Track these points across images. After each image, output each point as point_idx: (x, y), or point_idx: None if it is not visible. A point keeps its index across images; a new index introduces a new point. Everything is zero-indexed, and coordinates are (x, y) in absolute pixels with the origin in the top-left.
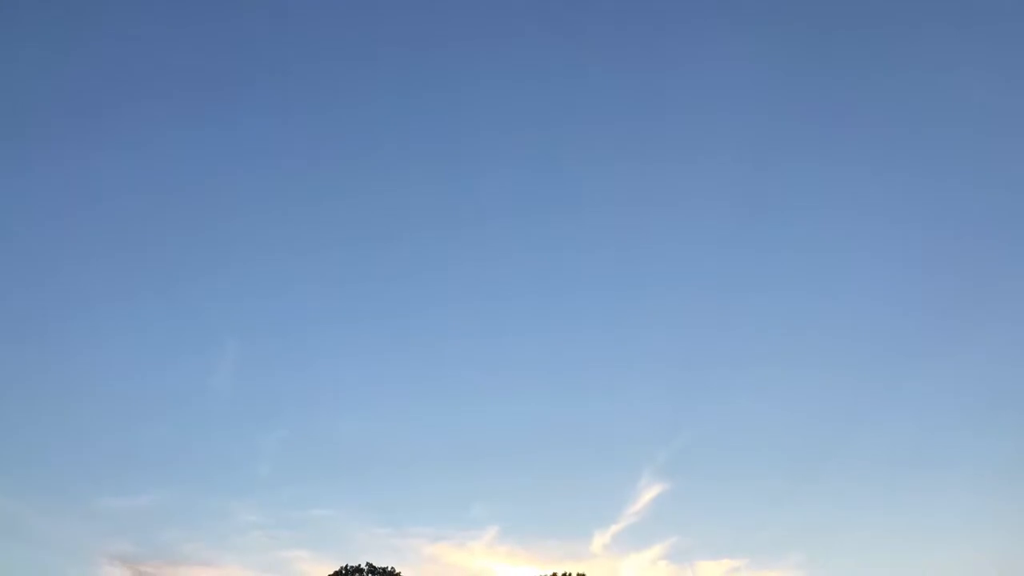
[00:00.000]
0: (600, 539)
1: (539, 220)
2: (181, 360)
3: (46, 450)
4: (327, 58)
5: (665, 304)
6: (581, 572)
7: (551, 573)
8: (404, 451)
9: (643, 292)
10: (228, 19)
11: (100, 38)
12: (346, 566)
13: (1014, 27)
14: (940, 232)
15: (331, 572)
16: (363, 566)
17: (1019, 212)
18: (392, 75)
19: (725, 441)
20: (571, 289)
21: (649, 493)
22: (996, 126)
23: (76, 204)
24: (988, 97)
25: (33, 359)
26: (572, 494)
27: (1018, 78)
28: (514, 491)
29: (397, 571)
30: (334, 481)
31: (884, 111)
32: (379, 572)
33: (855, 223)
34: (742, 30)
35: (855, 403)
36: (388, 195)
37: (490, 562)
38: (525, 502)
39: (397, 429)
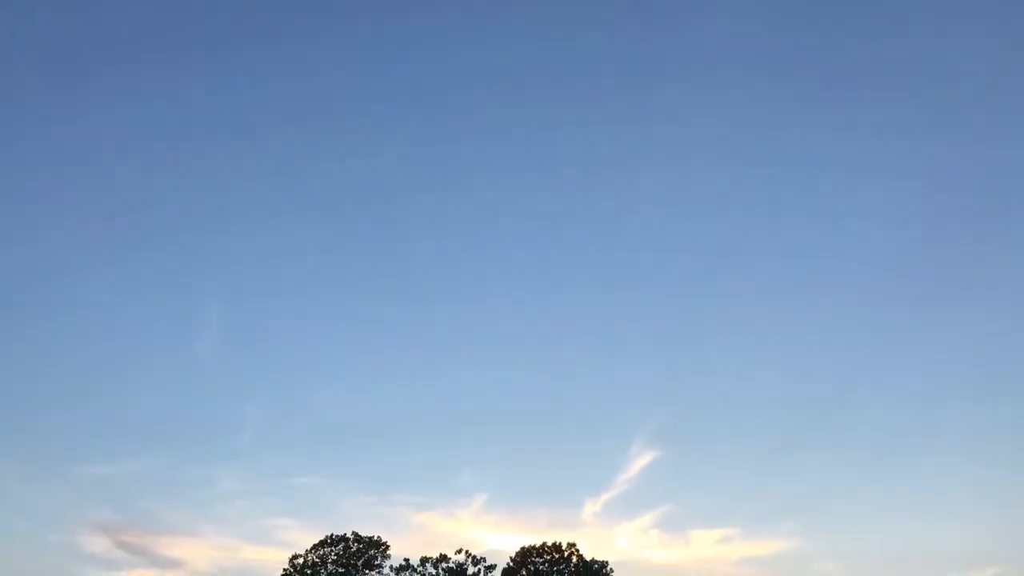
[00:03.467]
0: (591, 508)
1: (527, 183)
2: (164, 325)
3: (26, 416)
4: (307, 22)
5: (657, 269)
6: (571, 541)
7: (541, 542)
8: (390, 418)
9: (634, 257)
10: None
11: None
12: (331, 535)
13: None
14: (941, 196)
15: (316, 541)
16: (348, 535)
17: (1020, 176)
18: (378, 38)
19: (718, 408)
20: (560, 253)
21: (641, 461)
22: (995, 84)
23: (53, 168)
24: (986, 54)
25: (13, 324)
26: (562, 462)
27: (1015, 36)
28: (503, 459)
29: (384, 540)
30: (319, 448)
31: (881, 71)
32: (365, 541)
33: (853, 187)
34: None
35: (851, 370)
36: (372, 160)
37: (478, 531)
38: (514, 470)
39: (383, 395)
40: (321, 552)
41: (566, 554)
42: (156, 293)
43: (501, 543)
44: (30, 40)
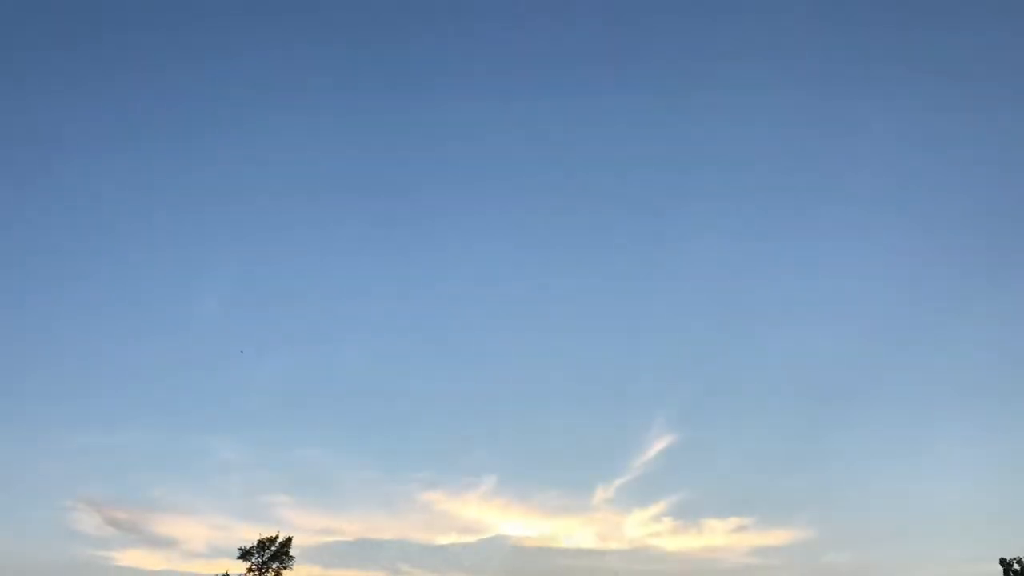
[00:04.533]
0: (603, 493)
1: (552, 155)
2: (166, 285)
3: (11, 379)
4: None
5: (685, 260)
6: (580, 526)
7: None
8: (400, 392)
9: (663, 248)
10: None
11: None
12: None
13: None
14: (961, 188)
15: (313, 521)
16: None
17: None
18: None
19: (737, 395)
20: (584, 233)
21: (657, 445)
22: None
23: (50, 132)
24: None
25: (6, 285)
26: (577, 446)
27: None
28: (516, 440)
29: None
30: (323, 419)
31: (885, 103)
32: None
33: (876, 175)
34: None
35: (869, 365)
36: (391, 123)
37: (486, 514)
38: (526, 452)
39: (394, 369)
40: None
41: None
42: (156, 248)
43: (509, 528)
44: (39, 26)
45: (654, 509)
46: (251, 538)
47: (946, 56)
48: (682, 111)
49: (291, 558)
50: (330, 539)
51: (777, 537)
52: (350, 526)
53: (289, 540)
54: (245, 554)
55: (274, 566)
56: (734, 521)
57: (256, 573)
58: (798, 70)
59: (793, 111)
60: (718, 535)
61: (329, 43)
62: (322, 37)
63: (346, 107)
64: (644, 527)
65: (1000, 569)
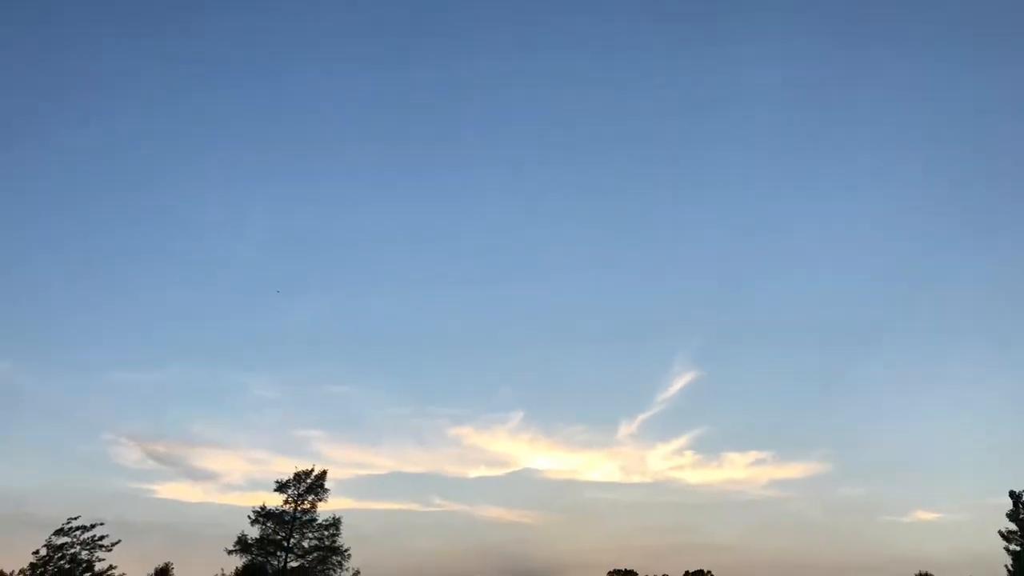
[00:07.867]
0: (626, 428)
1: (572, 104)
2: (207, 226)
3: (60, 316)
4: None
5: (711, 202)
6: (605, 460)
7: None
8: (430, 329)
9: (691, 189)
10: None
11: None
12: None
13: None
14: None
15: (345, 454)
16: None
17: None
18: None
19: (759, 331)
20: (606, 177)
21: (679, 382)
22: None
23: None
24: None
25: (51, 222)
26: (601, 381)
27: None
28: (541, 377)
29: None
30: (354, 359)
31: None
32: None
33: (889, 122)
34: None
35: (882, 300)
36: (419, 75)
37: (513, 448)
38: (552, 388)
39: (425, 306)
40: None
41: None
42: (198, 189)
43: (536, 462)
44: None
45: (676, 443)
46: (287, 471)
47: (961, 5)
48: (699, 58)
49: (326, 491)
50: (363, 472)
51: (794, 470)
52: (382, 460)
53: (324, 473)
54: (282, 487)
55: (310, 498)
56: (753, 455)
57: (293, 505)
58: (809, 15)
59: (806, 58)
60: (738, 468)
61: None
62: None
63: (376, 59)
64: (667, 461)
65: (1010, 501)
